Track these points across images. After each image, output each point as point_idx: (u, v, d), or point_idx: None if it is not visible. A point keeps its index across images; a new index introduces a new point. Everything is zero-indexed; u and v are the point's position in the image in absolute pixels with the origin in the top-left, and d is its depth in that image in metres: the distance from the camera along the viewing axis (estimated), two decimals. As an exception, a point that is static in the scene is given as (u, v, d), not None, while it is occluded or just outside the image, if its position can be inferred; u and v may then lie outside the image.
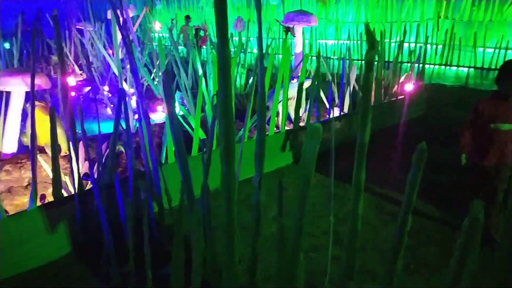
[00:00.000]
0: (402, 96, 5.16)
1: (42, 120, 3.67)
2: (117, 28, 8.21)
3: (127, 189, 2.62)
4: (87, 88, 8.09)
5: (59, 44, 2.24)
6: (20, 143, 3.79)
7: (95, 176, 2.88)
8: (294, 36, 4.68)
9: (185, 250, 1.74)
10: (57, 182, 2.53)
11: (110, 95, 7.44)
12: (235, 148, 1.28)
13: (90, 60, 8.90)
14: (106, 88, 7.65)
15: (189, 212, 2.19)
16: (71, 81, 8.94)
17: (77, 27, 9.72)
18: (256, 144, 1.68)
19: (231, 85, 1.20)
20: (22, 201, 3.34)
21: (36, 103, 3.58)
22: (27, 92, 3.82)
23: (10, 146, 3.67)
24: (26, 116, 4.15)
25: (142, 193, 1.91)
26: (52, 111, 2.34)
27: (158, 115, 5.92)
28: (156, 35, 7.37)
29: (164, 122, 5.44)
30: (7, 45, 9.85)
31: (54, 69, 9.73)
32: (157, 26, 8.07)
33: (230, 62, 1.18)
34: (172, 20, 10.03)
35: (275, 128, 3.88)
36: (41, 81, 3.54)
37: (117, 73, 7.24)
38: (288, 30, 4.36)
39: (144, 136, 2.59)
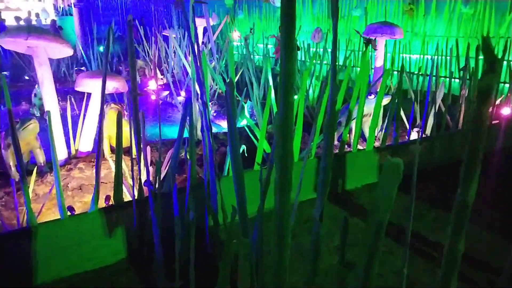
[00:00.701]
0: (497, 121, 4.53)
1: (115, 122, 3.82)
2: (200, 36, 8.47)
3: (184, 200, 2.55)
4: (166, 92, 8.45)
5: (132, 49, 2.23)
6: (96, 142, 3.96)
7: (156, 183, 2.87)
8: (375, 49, 4.35)
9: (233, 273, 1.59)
10: (118, 186, 2.53)
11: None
12: (291, 177, 1.08)
13: (171, 65, 9.30)
14: (182, 93, 7.91)
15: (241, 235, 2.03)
16: (153, 84, 9.44)
17: (163, 33, 10.26)
18: (320, 170, 1.46)
19: (292, 105, 1.01)
20: (91, 199, 3.47)
21: (112, 105, 3.72)
22: (108, 94, 4.00)
23: (86, 145, 3.85)
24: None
25: (191, 213, 1.78)
26: (119, 115, 2.34)
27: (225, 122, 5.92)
28: (235, 43, 7.43)
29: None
30: (101, 48, 10.71)
31: (138, 72, 10.35)
32: (235, 35, 8.16)
33: (294, 77, 0.99)
34: (251, 29, 10.13)
35: (345, 146, 3.60)
36: (119, 85, 3.66)
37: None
38: (368, 42, 4.06)
39: (205, 146, 2.50)
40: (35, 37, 3.16)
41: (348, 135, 4.20)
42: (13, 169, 3.43)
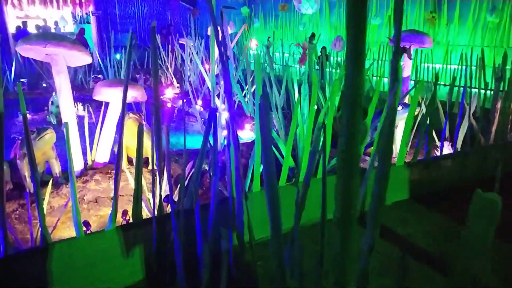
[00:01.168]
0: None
1: (134, 132, 3.68)
2: (215, 44, 8.40)
3: (208, 217, 2.38)
4: (181, 101, 8.37)
5: (155, 58, 2.09)
6: (113, 153, 3.84)
7: (176, 198, 2.72)
8: (411, 58, 4.14)
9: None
10: (138, 202, 2.38)
11: (202, 109, 7.56)
12: (354, 222, 0.90)
13: (188, 74, 9.23)
14: (199, 102, 7.80)
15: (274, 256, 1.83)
16: (169, 92, 9.38)
17: (180, 42, 10.22)
18: (372, 199, 1.28)
19: (358, 130, 0.83)
20: (107, 212, 3.32)
21: (131, 114, 3.59)
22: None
23: (103, 156, 3.72)
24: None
25: (223, 242, 1.61)
26: (140, 127, 2.19)
27: (245, 133, 5.75)
28: (252, 52, 7.31)
29: (252, 142, 5.26)
30: (117, 56, 10.73)
31: (154, 80, 10.31)
32: (253, 43, 8.04)
33: (362, 94, 0.82)
34: (268, 38, 10.03)
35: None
36: (138, 94, 3.54)
37: (211, 89, 7.34)
38: (403, 50, 3.86)
39: (231, 162, 2.33)
40: (54, 45, 3.06)
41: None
42: (28, 180, 3.32)
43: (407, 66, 4.49)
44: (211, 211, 2.30)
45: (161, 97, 9.42)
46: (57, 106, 6.54)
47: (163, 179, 2.74)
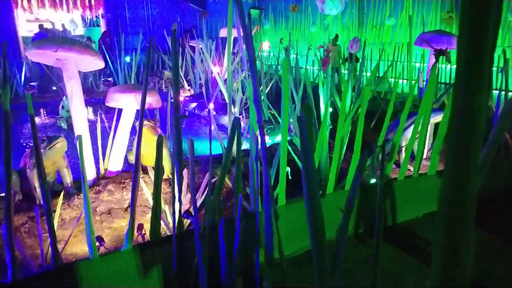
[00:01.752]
0: None
1: (149, 140, 3.51)
2: (231, 46, 8.21)
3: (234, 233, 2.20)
4: (194, 104, 8.20)
5: (176, 64, 1.91)
6: (126, 161, 3.67)
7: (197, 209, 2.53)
8: (449, 61, 3.92)
9: None
10: (156, 219, 2.19)
11: (214, 113, 7.40)
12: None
13: (199, 76, 9.07)
14: (211, 105, 7.63)
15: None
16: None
17: (190, 44, 10.07)
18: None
19: (474, 167, 0.63)
20: (121, 224, 3.15)
21: (145, 122, 3.42)
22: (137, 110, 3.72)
23: (116, 164, 3.55)
24: (135, 133, 4.08)
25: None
26: (160, 138, 2.01)
27: (261, 139, 5.56)
28: (265, 54, 7.12)
29: (268, 148, 5.07)
30: (127, 59, 10.61)
31: (165, 83, 10.17)
32: (265, 45, 7.86)
33: (484, 116, 0.62)
34: (281, 39, 9.84)
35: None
36: (152, 100, 3.37)
37: (223, 91, 7.16)
38: (441, 53, 3.63)
39: (253, 177, 2.14)
40: (65, 49, 2.90)
41: (397, 154, 3.79)
42: (38, 191, 3.16)
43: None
44: (237, 230, 2.11)
45: (172, 100, 9.27)
46: (68, 111, 6.42)
47: (182, 193, 2.56)
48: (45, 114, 8.08)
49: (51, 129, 6.62)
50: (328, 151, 3.36)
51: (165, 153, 3.53)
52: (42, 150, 3.11)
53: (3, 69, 1.87)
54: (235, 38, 8.48)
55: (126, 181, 3.40)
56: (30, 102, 1.74)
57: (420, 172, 3.24)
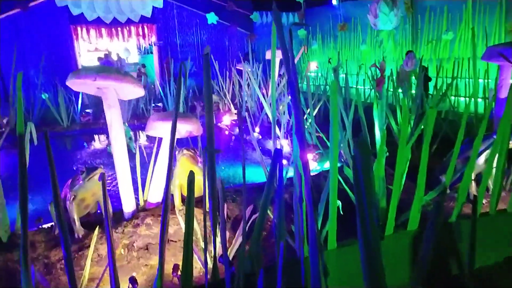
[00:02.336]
0: None
1: (188, 170, 3.34)
2: (276, 68, 8.07)
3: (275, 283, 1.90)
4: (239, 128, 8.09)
5: (208, 86, 1.70)
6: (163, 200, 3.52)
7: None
8: None
9: None
10: (187, 263, 1.95)
11: (260, 137, 7.20)
12: None
13: (245, 100, 8.97)
14: (256, 129, 7.45)
15: None
16: (226, 119, 9.16)
17: (237, 67, 10.08)
18: None
19: None
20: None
21: (184, 151, 3.25)
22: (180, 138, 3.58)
23: (156, 195, 3.40)
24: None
25: None
26: (191, 175, 1.79)
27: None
28: (312, 74, 6.85)
29: (316, 175, 4.73)
30: (177, 85, 10.82)
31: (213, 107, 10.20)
32: (313, 65, 7.60)
33: None
34: (330, 59, 9.55)
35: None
36: (194, 128, 3.20)
37: (269, 115, 6.96)
38: None
39: (297, 219, 1.84)
40: (104, 77, 2.83)
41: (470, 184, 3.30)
42: (78, 224, 3.07)
43: (504, 86, 3.75)
44: (278, 281, 1.81)
45: (219, 124, 9.23)
46: None
47: (217, 234, 2.31)
48: (99, 141, 8.34)
49: (101, 155, 6.76)
50: (385, 182, 2.97)
51: (201, 183, 3.33)
52: (81, 182, 3.03)
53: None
54: (281, 60, 8.34)
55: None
56: (47, 141, 1.58)
57: (498, 207, 2.75)
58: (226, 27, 14.78)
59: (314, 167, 5.07)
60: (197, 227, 2.94)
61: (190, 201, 1.80)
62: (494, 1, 8.73)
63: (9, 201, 4.04)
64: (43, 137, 1.73)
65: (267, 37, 15.11)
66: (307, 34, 15.42)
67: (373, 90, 5.18)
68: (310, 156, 5.12)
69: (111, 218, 3.27)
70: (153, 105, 10.08)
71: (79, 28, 13.11)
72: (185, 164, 3.20)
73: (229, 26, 14.70)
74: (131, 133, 6.73)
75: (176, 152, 3.31)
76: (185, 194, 3.52)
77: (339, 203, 2.85)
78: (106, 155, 6.62)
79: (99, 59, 12.38)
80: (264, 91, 8.51)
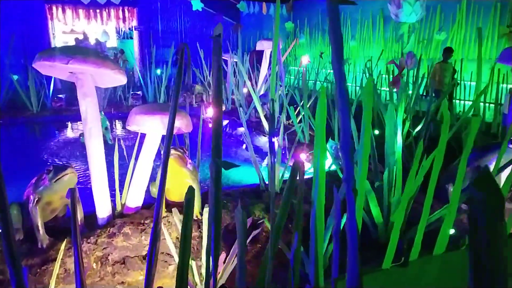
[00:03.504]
0: None
1: (176, 173, 2.91)
2: (266, 60, 7.63)
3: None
4: (225, 122, 7.63)
5: (219, 77, 1.31)
6: (147, 196, 3.08)
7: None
8: None
9: None
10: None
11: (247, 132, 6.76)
12: None
13: (231, 91, 8.53)
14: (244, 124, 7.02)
15: None
16: (210, 112, 8.69)
17: (223, 57, 9.60)
18: None
19: None
20: (137, 278, 2.53)
21: (172, 151, 2.82)
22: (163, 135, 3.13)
23: (136, 199, 2.97)
24: (159, 160, 3.51)
25: None
26: (191, 192, 1.39)
27: (302, 165, 4.88)
28: (303, 69, 6.50)
29: (309, 177, 4.39)
30: (158, 71, 10.24)
31: (196, 98, 9.70)
32: (305, 59, 7.24)
33: None
34: (321, 53, 9.22)
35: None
36: (182, 123, 2.77)
37: (259, 108, 6.56)
38: None
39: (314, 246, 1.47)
40: (79, 61, 2.36)
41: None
42: (41, 231, 2.60)
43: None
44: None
45: (203, 115, 8.75)
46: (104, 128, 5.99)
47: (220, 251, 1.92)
48: (71, 129, 7.74)
49: (73, 145, 6.20)
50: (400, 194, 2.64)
51: (194, 188, 2.92)
52: (47, 183, 2.56)
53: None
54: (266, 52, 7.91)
55: (146, 221, 2.80)
56: None
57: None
58: (212, 15, 14.21)
59: (307, 168, 4.73)
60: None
61: (187, 225, 1.39)
62: (489, 1, 8.58)
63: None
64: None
65: (253, 28, 14.65)
66: (294, 28, 15.03)
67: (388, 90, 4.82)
68: (303, 156, 4.77)
69: (82, 226, 2.82)
70: (132, 92, 9.48)
71: (54, 7, 12.26)
72: (173, 165, 2.77)
73: (215, 14, 14.13)
74: (107, 122, 6.19)
75: (162, 152, 2.87)
76: (170, 199, 3.10)
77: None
78: (79, 146, 6.07)
79: (77, 40, 11.61)
80: (251, 83, 8.09)
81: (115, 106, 9.00)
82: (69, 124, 8.00)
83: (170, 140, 1.51)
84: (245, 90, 7.81)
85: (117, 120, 8.57)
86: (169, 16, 14.02)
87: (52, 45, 12.74)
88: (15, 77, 8.55)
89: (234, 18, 14.73)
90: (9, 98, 8.69)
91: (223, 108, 9.03)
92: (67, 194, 2.72)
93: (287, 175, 3.89)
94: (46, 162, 5.42)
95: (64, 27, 15.48)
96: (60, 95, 8.84)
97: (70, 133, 7.57)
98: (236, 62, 8.91)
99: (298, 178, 1.62)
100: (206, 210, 2.56)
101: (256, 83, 7.95)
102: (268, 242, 1.92)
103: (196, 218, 2.90)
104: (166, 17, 13.97)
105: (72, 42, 13.07)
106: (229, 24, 14.71)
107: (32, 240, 2.66)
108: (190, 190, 1.44)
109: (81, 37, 11.28)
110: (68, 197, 2.73)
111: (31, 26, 11.88)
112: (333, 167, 3.85)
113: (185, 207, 1.44)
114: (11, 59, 9.16)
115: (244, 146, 6.43)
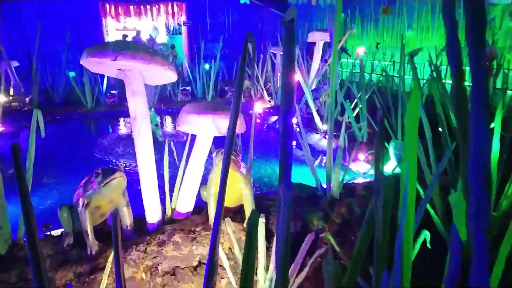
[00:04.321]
0: None
1: (229, 177, 2.69)
2: (319, 51, 7.24)
3: None
4: (274, 118, 7.38)
5: (289, 72, 1.03)
6: (198, 200, 2.89)
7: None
8: None
9: None
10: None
11: (297, 129, 6.46)
12: None
13: (278, 86, 8.23)
14: (294, 120, 6.73)
15: None
16: (258, 107, 8.45)
17: (271, 51, 9.32)
18: None
19: None
20: (189, 292, 2.36)
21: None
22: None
23: (186, 204, 2.79)
24: (210, 163, 3.32)
25: None
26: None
27: (360, 166, 4.52)
28: (360, 61, 6.05)
29: (371, 181, 4.03)
30: (206, 66, 10.16)
31: (244, 93, 9.52)
32: (360, 51, 6.77)
33: None
34: (377, 44, 8.68)
35: None
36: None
37: (310, 104, 6.22)
38: None
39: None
40: (127, 57, 2.19)
41: None
42: (91, 236, 2.49)
43: None
44: None
45: (250, 112, 8.53)
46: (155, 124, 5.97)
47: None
48: (124, 125, 7.84)
49: (125, 141, 6.23)
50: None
51: (247, 194, 2.69)
52: (95, 186, 2.44)
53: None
54: (326, 43, 7.51)
55: (197, 229, 2.60)
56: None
57: None
58: (259, 8, 13.94)
59: (366, 170, 4.36)
60: (238, 251, 2.31)
61: (251, 249, 1.14)
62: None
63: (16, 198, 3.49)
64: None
65: (302, 19, 14.19)
66: (345, 17, 14.37)
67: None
68: (361, 156, 4.40)
69: (131, 231, 2.68)
70: (181, 88, 9.47)
71: (107, 5, 12.58)
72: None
73: (262, 6, 13.85)
74: (158, 119, 6.15)
75: (213, 154, 2.66)
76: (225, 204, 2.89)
77: (427, 234, 2.14)
78: (131, 142, 6.06)
79: (125, 37, 11.84)
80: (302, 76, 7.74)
81: (165, 102, 9.03)
82: (122, 120, 8.12)
83: (232, 146, 1.27)
84: (299, 77, 7.48)
85: (167, 116, 8.59)
86: (217, 10, 13.92)
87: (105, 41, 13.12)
88: (72, 73, 8.81)
89: (282, 10, 14.36)
90: (66, 94, 8.99)
91: (272, 103, 8.77)
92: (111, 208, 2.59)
93: (346, 178, 3.55)
94: (99, 158, 5.47)
95: (116, 24, 15.94)
96: (113, 91, 9.01)
97: (123, 128, 7.67)
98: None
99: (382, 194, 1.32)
100: (261, 220, 2.32)
101: (308, 75, 7.58)
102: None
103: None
104: (213, 11, 13.89)
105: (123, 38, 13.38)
106: (277, 16, 14.39)
107: (82, 245, 2.57)
108: (253, 214, 1.19)
109: (132, 34, 11.48)
110: (117, 201, 2.61)
111: (86, 23, 12.28)
112: (397, 170, 3.48)
113: (248, 233, 1.19)
114: (67, 56, 9.48)
115: (294, 143, 6.13)
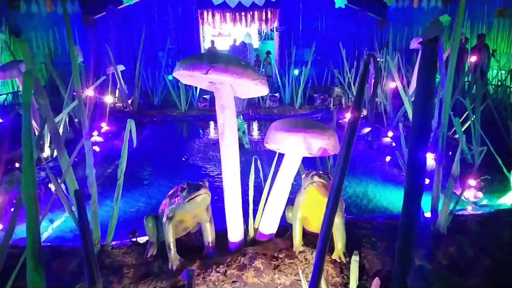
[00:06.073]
0: None
1: (318, 202, 2.42)
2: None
3: None
4: (366, 129, 6.88)
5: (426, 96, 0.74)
6: (283, 222, 2.70)
7: None
8: None
9: None
10: None
11: (394, 144, 5.93)
12: None
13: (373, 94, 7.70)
14: (390, 133, 6.20)
15: None
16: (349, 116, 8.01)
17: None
18: None
19: None
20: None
21: (315, 178, 2.35)
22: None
23: (270, 225, 2.61)
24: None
25: None
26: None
27: (471, 194, 3.91)
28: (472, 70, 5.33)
29: (484, 213, 3.44)
30: (296, 72, 9.96)
31: (334, 101, 9.13)
32: (474, 58, 5.98)
33: None
34: (493, 51, 7.63)
35: None
36: (328, 144, 2.28)
37: (409, 114, 5.65)
38: None
39: None
40: (219, 70, 2.08)
41: None
42: (173, 250, 2.44)
43: None
44: None
45: (341, 121, 8.12)
46: (244, 132, 5.98)
47: None
48: (214, 129, 8.02)
49: (214, 146, 6.31)
50: None
51: (338, 222, 2.41)
52: (180, 201, 2.38)
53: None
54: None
55: (280, 255, 2.41)
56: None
57: None
58: (355, 12, 13.34)
59: (478, 199, 3.74)
60: (324, 283, 2.05)
61: None
62: None
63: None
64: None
65: (402, 24, 13.26)
66: (451, 21, 13.08)
67: None
68: (472, 182, 3.79)
69: (213, 248, 2.58)
70: (269, 94, 9.40)
71: (205, 12, 13.12)
72: (315, 195, 2.31)
73: (358, 10, 13.24)
74: (245, 126, 6.12)
75: (303, 176, 2.44)
76: (308, 229, 2.66)
77: None
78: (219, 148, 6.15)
79: (213, 43, 12.21)
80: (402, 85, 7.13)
81: (253, 108, 9.05)
82: (212, 124, 8.32)
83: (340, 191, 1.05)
84: (392, 85, 6.89)
85: (254, 122, 8.60)
86: (310, 15, 13.67)
87: (201, 48, 13.70)
88: (170, 77, 9.30)
89: (380, 14, 13.57)
90: (163, 97, 9.53)
91: (364, 112, 8.25)
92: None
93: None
94: (189, 163, 5.61)
95: (213, 31, 16.61)
96: (205, 96, 9.31)
97: (212, 133, 7.84)
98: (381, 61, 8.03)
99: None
100: (354, 257, 2.03)
101: (408, 84, 6.95)
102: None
103: (339, 261, 2.39)
104: (307, 17, 13.66)
105: (221, 45, 13.84)
106: (374, 20, 13.65)
107: (164, 256, 2.54)
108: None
109: (223, 40, 11.71)
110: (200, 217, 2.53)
111: (185, 30, 12.96)
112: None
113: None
114: (166, 60, 10.05)
115: (388, 158, 5.61)
